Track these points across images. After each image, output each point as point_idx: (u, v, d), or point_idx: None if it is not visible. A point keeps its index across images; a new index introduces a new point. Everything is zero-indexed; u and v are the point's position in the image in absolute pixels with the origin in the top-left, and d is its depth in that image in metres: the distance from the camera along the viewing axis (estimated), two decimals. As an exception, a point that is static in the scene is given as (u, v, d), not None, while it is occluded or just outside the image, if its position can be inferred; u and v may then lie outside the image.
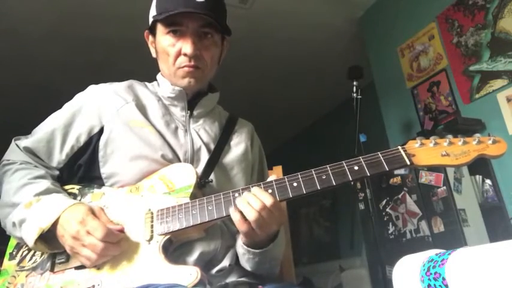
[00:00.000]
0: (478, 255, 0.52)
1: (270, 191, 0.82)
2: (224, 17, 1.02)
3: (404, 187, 2.21)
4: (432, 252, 0.59)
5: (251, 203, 0.80)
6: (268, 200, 0.80)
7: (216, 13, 0.97)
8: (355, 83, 2.42)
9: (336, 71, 3.44)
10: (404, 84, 2.80)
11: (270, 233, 0.84)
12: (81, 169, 0.98)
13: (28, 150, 0.97)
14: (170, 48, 0.97)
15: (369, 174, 0.80)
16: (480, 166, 2.14)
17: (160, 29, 0.98)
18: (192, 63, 0.96)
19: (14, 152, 0.98)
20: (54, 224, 0.84)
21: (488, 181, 2.11)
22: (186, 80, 0.99)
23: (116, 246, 0.83)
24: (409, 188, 2.18)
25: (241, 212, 0.80)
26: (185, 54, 0.95)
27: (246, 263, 0.92)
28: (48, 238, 0.85)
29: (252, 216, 0.79)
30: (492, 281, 0.48)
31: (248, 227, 0.80)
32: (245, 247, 0.88)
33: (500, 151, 0.77)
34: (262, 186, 0.84)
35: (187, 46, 0.94)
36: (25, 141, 0.98)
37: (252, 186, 0.83)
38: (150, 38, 1.04)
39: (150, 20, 1.01)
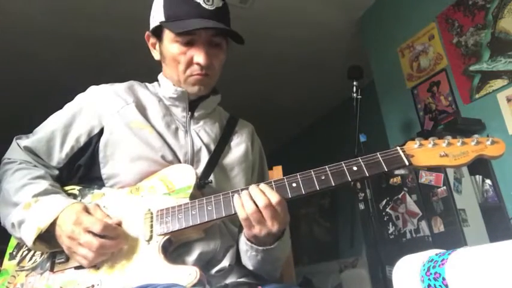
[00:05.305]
0: (478, 255, 0.52)
1: None
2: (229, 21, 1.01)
3: (404, 187, 2.21)
4: (432, 252, 0.59)
5: (255, 198, 0.80)
6: (274, 198, 0.79)
7: (226, 20, 0.97)
8: (355, 83, 2.42)
9: (335, 71, 3.44)
10: (404, 84, 2.80)
11: (272, 231, 0.82)
12: (80, 169, 0.98)
13: (28, 150, 0.98)
14: (181, 57, 0.96)
15: (367, 175, 0.80)
16: (480, 166, 2.14)
17: (168, 35, 0.97)
18: (204, 71, 0.97)
19: (15, 150, 0.99)
20: (53, 224, 0.84)
21: (488, 181, 2.11)
22: (196, 87, 0.99)
23: (113, 243, 0.82)
24: (409, 188, 2.18)
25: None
26: (198, 64, 0.95)
27: (248, 261, 0.91)
28: (48, 238, 0.86)
29: (250, 210, 0.79)
30: (492, 281, 0.48)
31: (249, 221, 0.80)
32: (248, 243, 0.86)
33: (499, 152, 0.77)
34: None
35: (200, 56, 0.94)
36: (26, 141, 0.98)
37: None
38: (152, 40, 1.03)
39: (155, 23, 0.99)
